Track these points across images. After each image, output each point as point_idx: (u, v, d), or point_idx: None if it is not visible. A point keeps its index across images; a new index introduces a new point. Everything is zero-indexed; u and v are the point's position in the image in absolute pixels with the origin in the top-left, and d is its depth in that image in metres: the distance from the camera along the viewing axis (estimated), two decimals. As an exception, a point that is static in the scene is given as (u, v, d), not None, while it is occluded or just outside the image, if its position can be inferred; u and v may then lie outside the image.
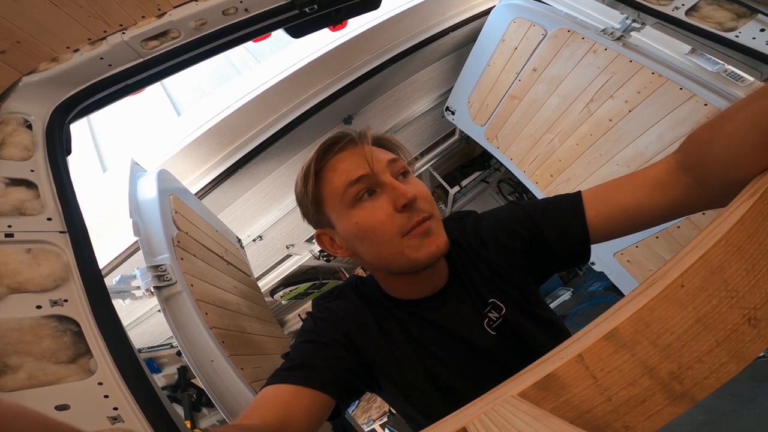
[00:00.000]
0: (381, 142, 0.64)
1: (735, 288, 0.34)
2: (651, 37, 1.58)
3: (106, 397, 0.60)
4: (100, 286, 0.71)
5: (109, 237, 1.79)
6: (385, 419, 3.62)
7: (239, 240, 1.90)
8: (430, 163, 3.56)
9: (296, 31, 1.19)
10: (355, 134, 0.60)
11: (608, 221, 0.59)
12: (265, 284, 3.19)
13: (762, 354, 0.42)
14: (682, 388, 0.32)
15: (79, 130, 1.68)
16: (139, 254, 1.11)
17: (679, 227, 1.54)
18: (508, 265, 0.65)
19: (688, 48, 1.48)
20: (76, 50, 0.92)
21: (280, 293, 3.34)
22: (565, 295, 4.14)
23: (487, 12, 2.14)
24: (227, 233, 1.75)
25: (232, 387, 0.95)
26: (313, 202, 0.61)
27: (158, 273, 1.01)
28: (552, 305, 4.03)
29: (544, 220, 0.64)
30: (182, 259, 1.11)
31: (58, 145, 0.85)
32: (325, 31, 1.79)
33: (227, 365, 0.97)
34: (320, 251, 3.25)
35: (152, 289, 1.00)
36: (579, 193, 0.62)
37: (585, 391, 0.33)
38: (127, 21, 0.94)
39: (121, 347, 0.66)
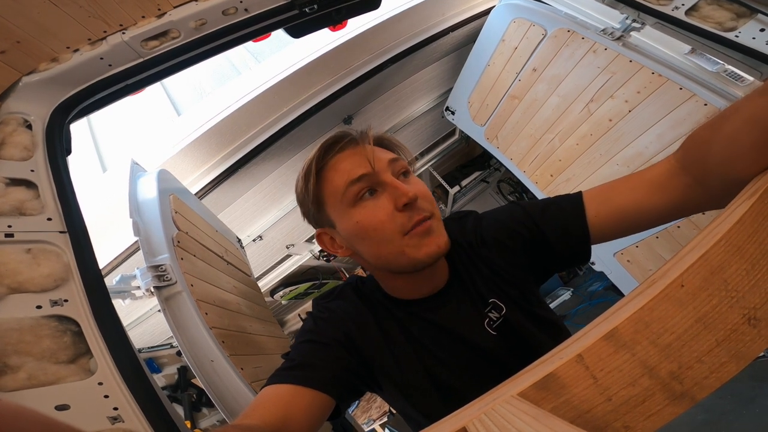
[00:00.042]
0: (382, 142, 0.64)
1: (735, 288, 0.34)
2: (651, 37, 1.58)
3: (106, 397, 0.60)
4: (100, 286, 0.71)
5: (109, 237, 1.79)
6: (385, 419, 3.62)
7: (239, 240, 1.90)
8: (430, 163, 3.56)
9: (296, 31, 1.19)
10: (356, 134, 0.61)
11: (609, 221, 0.59)
12: (265, 284, 3.20)
13: (762, 354, 0.42)
14: (682, 388, 0.32)
15: (79, 130, 1.68)
16: (139, 254, 1.11)
17: (679, 227, 1.54)
18: (508, 265, 0.65)
19: (687, 48, 1.48)
20: (76, 50, 0.92)
21: (280, 293, 3.35)
22: (565, 295, 4.14)
23: (487, 12, 2.14)
24: (227, 233, 1.75)
25: (232, 387, 0.95)
26: (313, 202, 0.61)
27: (158, 273, 1.01)
28: (552, 305, 4.03)
29: (545, 220, 0.64)
30: (182, 259, 1.11)
31: (58, 145, 0.85)
32: (325, 31, 1.79)
33: (227, 365, 0.97)
34: (320, 251, 3.25)
35: (152, 289, 1.00)
36: (580, 193, 0.62)
37: (585, 391, 0.33)
38: (127, 21, 0.94)
39: (121, 347, 0.66)
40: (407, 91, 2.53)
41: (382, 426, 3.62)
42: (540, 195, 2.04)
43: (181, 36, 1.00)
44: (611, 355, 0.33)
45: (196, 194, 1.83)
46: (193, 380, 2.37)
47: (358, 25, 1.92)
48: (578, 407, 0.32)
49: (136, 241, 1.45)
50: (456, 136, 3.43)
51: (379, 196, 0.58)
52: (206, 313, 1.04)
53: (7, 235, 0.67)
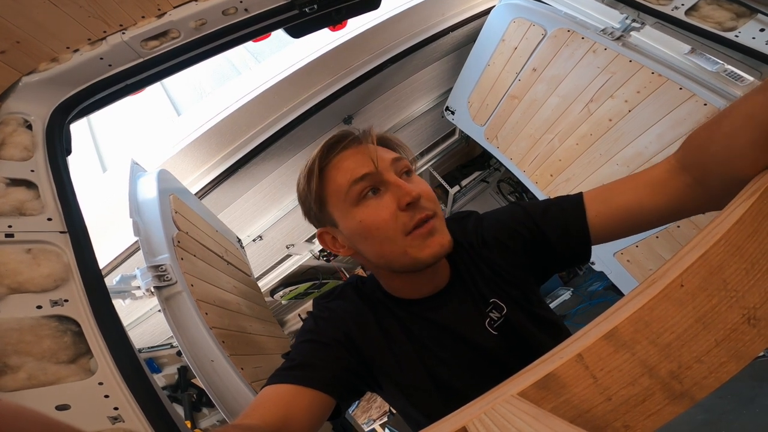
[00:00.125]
0: (384, 141, 0.64)
1: (734, 287, 0.34)
2: (651, 37, 1.59)
3: (107, 397, 0.60)
4: (100, 286, 0.71)
5: (109, 237, 1.80)
6: (385, 419, 3.62)
7: (239, 240, 1.91)
8: (430, 163, 3.56)
9: (296, 31, 1.19)
10: (359, 133, 0.61)
11: (609, 222, 0.59)
12: (265, 284, 3.20)
13: (762, 353, 0.42)
14: (682, 388, 0.32)
15: (79, 130, 1.68)
16: (139, 254, 1.11)
17: (679, 227, 1.54)
18: (509, 265, 0.66)
19: (687, 48, 1.48)
20: (76, 50, 0.92)
21: (280, 293, 3.35)
22: (565, 295, 4.14)
23: (487, 12, 2.15)
24: (227, 233, 1.75)
25: (232, 387, 0.96)
26: (316, 200, 0.61)
27: (158, 273, 1.01)
28: (552, 305, 4.03)
29: (546, 220, 0.64)
30: (182, 259, 1.11)
31: (58, 145, 0.85)
32: (325, 31, 1.79)
33: (227, 365, 0.97)
34: (320, 251, 3.26)
35: (152, 289, 1.01)
36: (580, 194, 0.62)
37: (585, 390, 0.33)
38: (127, 21, 0.94)
39: (121, 347, 0.66)
40: (407, 91, 2.53)
41: (382, 426, 3.62)
42: (540, 195, 2.04)
43: (181, 36, 1.00)
44: (611, 354, 0.33)
45: (196, 194, 1.83)
46: (193, 380, 2.37)
47: (358, 25, 1.92)
48: (578, 407, 0.32)
49: (136, 241, 1.46)
50: (456, 136, 3.43)
51: (382, 195, 0.57)
52: (206, 313, 1.04)
53: (7, 235, 0.67)
